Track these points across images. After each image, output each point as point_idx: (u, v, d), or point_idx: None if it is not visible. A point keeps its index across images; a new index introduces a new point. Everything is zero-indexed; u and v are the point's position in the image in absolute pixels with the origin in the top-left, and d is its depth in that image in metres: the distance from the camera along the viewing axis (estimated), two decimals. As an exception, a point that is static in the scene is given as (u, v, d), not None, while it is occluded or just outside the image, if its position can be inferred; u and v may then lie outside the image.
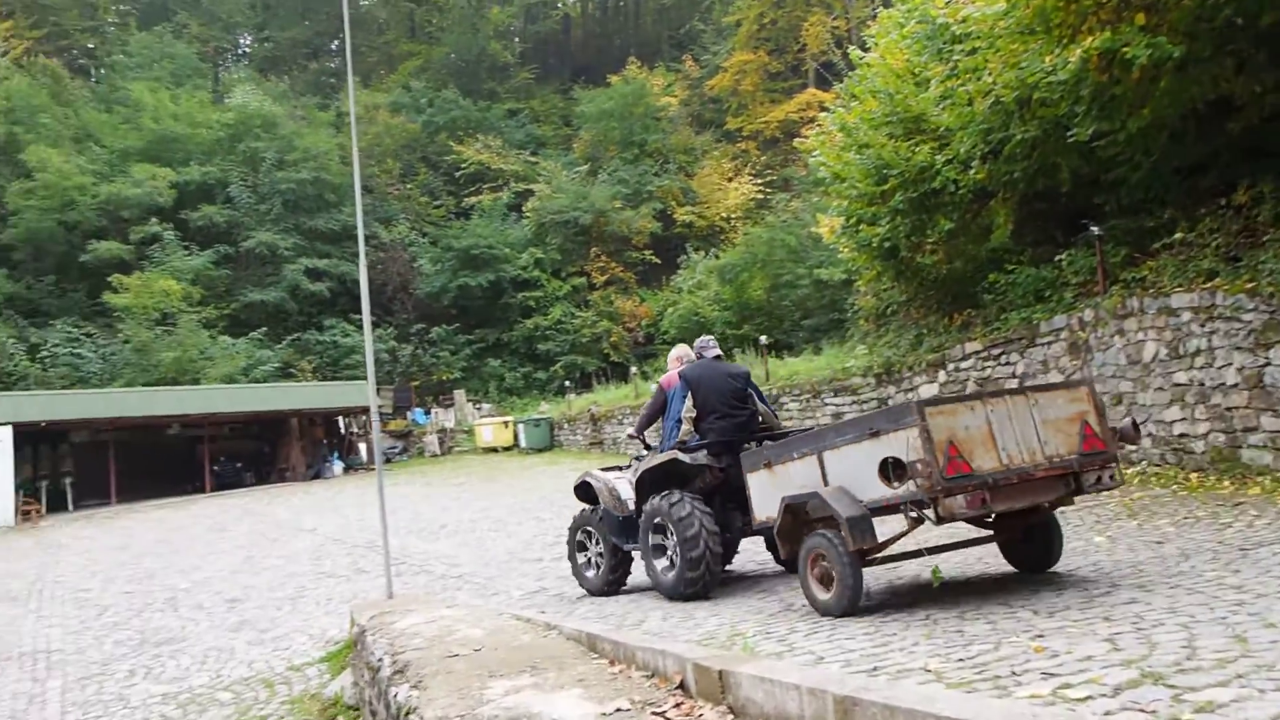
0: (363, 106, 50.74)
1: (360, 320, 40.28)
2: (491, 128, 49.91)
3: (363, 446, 34.25)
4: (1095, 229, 11.18)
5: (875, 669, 3.67)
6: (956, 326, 14.78)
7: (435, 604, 5.93)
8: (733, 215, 43.76)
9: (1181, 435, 9.35)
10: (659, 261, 42.29)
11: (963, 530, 5.99)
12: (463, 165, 46.21)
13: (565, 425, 30.75)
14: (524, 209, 43.29)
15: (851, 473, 5.15)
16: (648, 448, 7.83)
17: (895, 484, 4.87)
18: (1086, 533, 6.89)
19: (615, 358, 38.94)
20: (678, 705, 2.41)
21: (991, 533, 5.71)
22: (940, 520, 4.96)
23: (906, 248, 15.11)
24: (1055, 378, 11.69)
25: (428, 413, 37.92)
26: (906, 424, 4.81)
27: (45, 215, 37.57)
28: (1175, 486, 8.61)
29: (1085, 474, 5.12)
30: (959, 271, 15.79)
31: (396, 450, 34.82)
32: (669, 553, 6.65)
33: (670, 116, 48.91)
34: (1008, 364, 12.64)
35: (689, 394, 6.85)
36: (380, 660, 4.06)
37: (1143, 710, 2.73)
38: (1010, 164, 12.00)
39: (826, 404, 17.31)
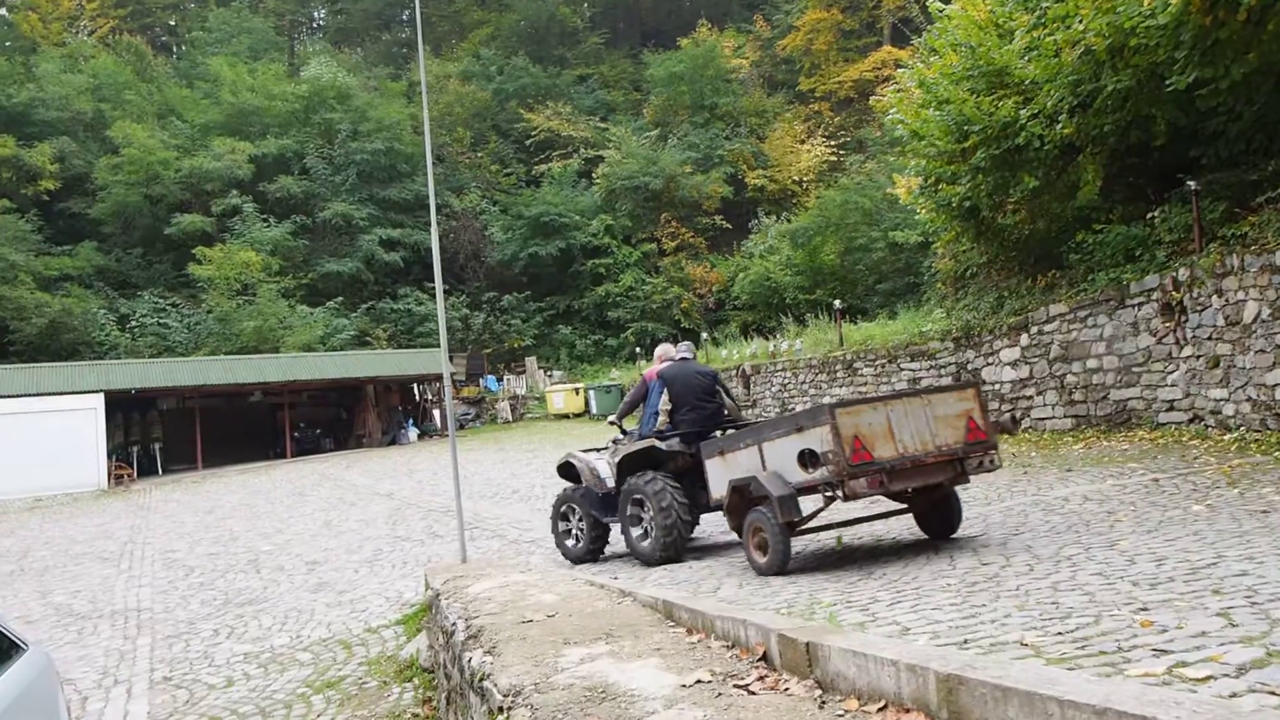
0: (433, 76, 51.10)
1: (434, 289, 40.96)
2: (561, 94, 49.78)
3: (437, 413, 34.80)
4: (1192, 183, 10.56)
5: (965, 641, 3.48)
6: (1040, 288, 14.22)
7: (508, 569, 5.89)
8: (805, 178, 43.00)
9: (1287, 400, 8.83)
10: (730, 226, 41.81)
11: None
12: (533, 133, 46.24)
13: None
14: (594, 175, 43.15)
15: (783, 460, 6.21)
16: (624, 432, 8.77)
17: (811, 470, 5.94)
18: (1183, 500, 6.53)
19: (686, 324, 38.73)
20: (761, 678, 2.27)
21: (906, 506, 6.85)
22: (847, 498, 5.92)
23: (988, 207, 14.57)
24: (1147, 340, 11.17)
25: (500, 380, 38.33)
26: (822, 422, 5.91)
27: (132, 189, 38.79)
28: (1277, 453, 8.13)
29: (969, 459, 6.18)
30: (1042, 232, 15.19)
31: (469, 417, 35.31)
32: (645, 524, 7.67)
33: (741, 79, 48.15)
34: (1095, 326, 12.11)
35: (665, 390, 7.96)
36: (454, 625, 4.02)
37: (1273, 692, 2.50)
38: (1100, 117, 11.40)
39: (903, 369, 16.88)
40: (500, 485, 16.61)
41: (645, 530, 7.70)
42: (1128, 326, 11.43)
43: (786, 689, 2.18)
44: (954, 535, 6.64)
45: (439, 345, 30.44)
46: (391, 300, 40.68)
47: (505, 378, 38.69)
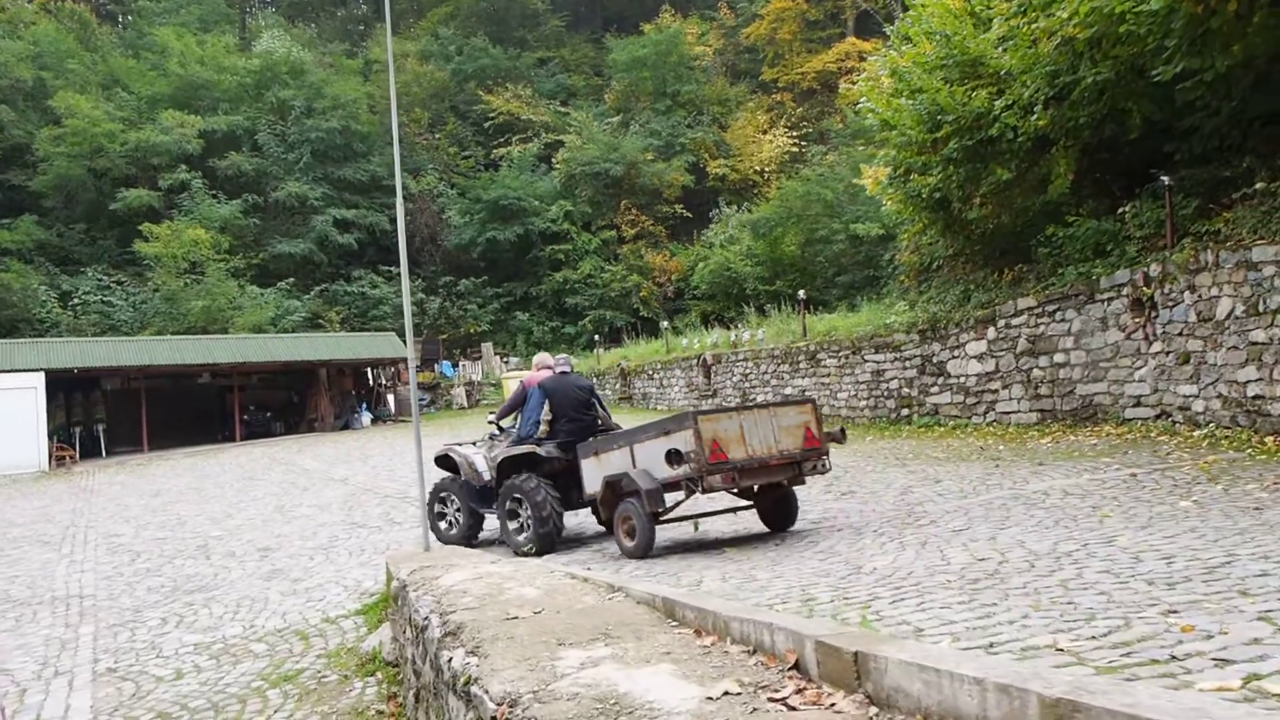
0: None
1: (389, 271, 40.37)
2: (521, 77, 49.12)
3: (390, 398, 34.20)
4: (1165, 178, 10.57)
5: (991, 645, 3.31)
6: (1007, 282, 14.23)
7: (478, 559, 5.63)
8: (767, 169, 42.94)
9: (1256, 397, 8.85)
10: (690, 215, 41.65)
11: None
12: (491, 115, 45.55)
13: (594, 379, 30.46)
14: (554, 160, 42.68)
15: (651, 459, 7.11)
16: (501, 430, 9.56)
17: (675, 467, 6.82)
18: (1167, 496, 6.47)
19: (645, 312, 38.51)
20: (799, 690, 2.04)
21: (752, 503, 7.82)
22: (705, 491, 6.94)
23: (958, 199, 14.53)
24: (1115, 335, 11.19)
25: (455, 366, 37.79)
26: (686, 426, 6.88)
27: (75, 162, 37.47)
28: (1250, 450, 8.15)
29: (805, 463, 7.24)
30: (1008, 225, 15.21)
31: (424, 402, 34.75)
32: (522, 520, 8.43)
33: (704, 66, 47.91)
34: (1063, 320, 12.13)
35: (546, 401, 8.67)
36: (427, 619, 3.75)
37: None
38: (1076, 110, 11.38)
39: (867, 361, 16.85)
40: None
41: (521, 525, 8.45)
42: (1096, 321, 11.45)
43: (832, 704, 1.94)
44: (791, 528, 7.76)
45: (393, 330, 29.90)
46: (345, 283, 39.88)
47: (461, 363, 38.16)
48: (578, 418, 8.70)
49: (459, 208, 41.98)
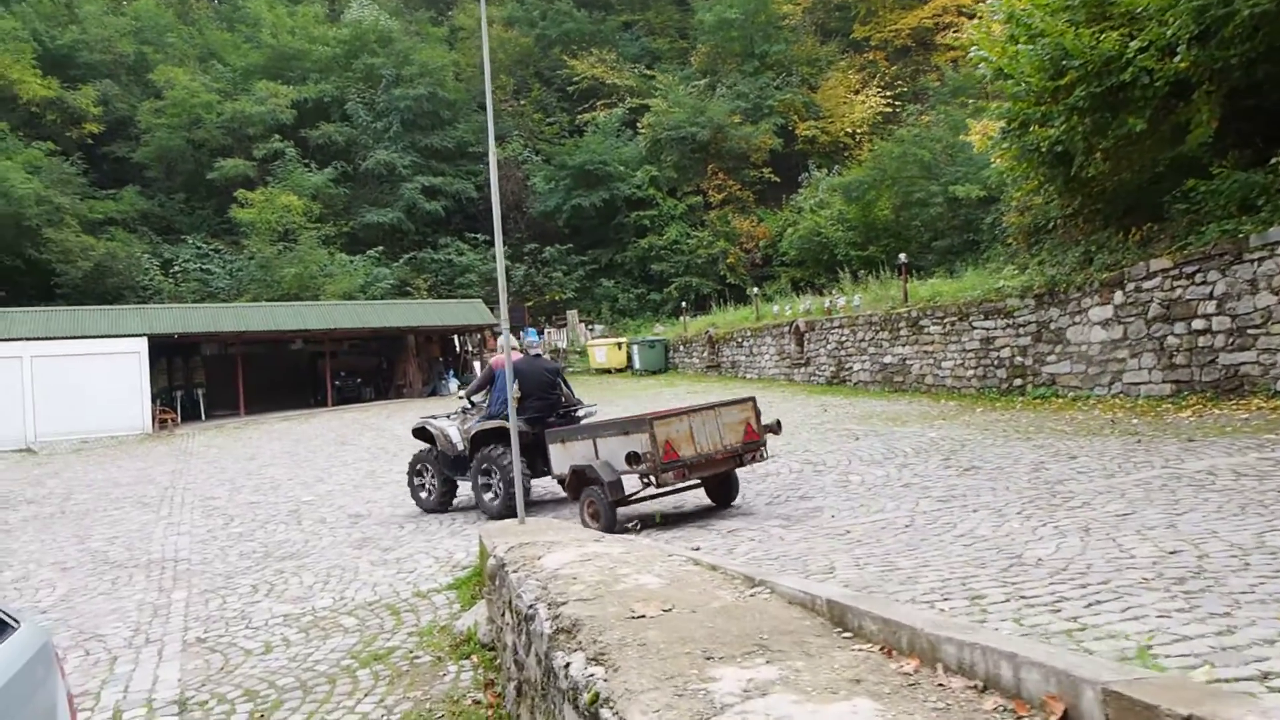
0: (475, 20, 49.92)
1: (474, 239, 40.40)
2: (605, 41, 48.43)
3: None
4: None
5: (1267, 677, 2.66)
6: (1135, 242, 13.14)
7: (579, 536, 5.17)
8: (858, 130, 41.50)
9: None
10: (778, 180, 40.50)
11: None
12: (576, 80, 45.05)
13: (681, 347, 29.95)
14: (639, 125, 41.99)
15: (612, 452, 8.06)
16: (472, 405, 10.46)
17: (634, 466, 7.79)
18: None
19: (732, 279, 37.73)
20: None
21: (700, 483, 8.65)
22: (659, 485, 7.92)
23: (1082, 152, 13.44)
24: (1267, 299, 10.15)
25: (540, 333, 37.68)
26: (643, 430, 7.81)
27: (174, 133, 38.42)
28: None
29: (746, 454, 8.25)
30: (1133, 181, 14.07)
31: (511, 369, 34.81)
32: (493, 487, 9.51)
33: (793, 26, 46.42)
34: (1204, 283, 11.07)
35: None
36: (533, 608, 3.29)
37: None
38: (1225, 49, 10.27)
39: (975, 327, 15.89)
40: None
41: (494, 492, 9.54)
42: (1244, 284, 10.39)
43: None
44: (733, 503, 8.69)
45: (480, 296, 29.77)
46: (432, 250, 40.08)
47: (546, 331, 38.03)
48: (544, 396, 9.76)
49: (544, 174, 41.72)
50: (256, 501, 12.37)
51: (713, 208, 40.17)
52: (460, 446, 10.09)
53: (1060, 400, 13.22)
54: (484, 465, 9.51)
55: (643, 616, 2.68)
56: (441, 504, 10.33)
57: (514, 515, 8.09)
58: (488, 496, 9.52)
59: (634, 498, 8.42)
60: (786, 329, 22.75)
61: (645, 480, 7.91)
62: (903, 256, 19.55)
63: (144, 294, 33.49)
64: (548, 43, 48.71)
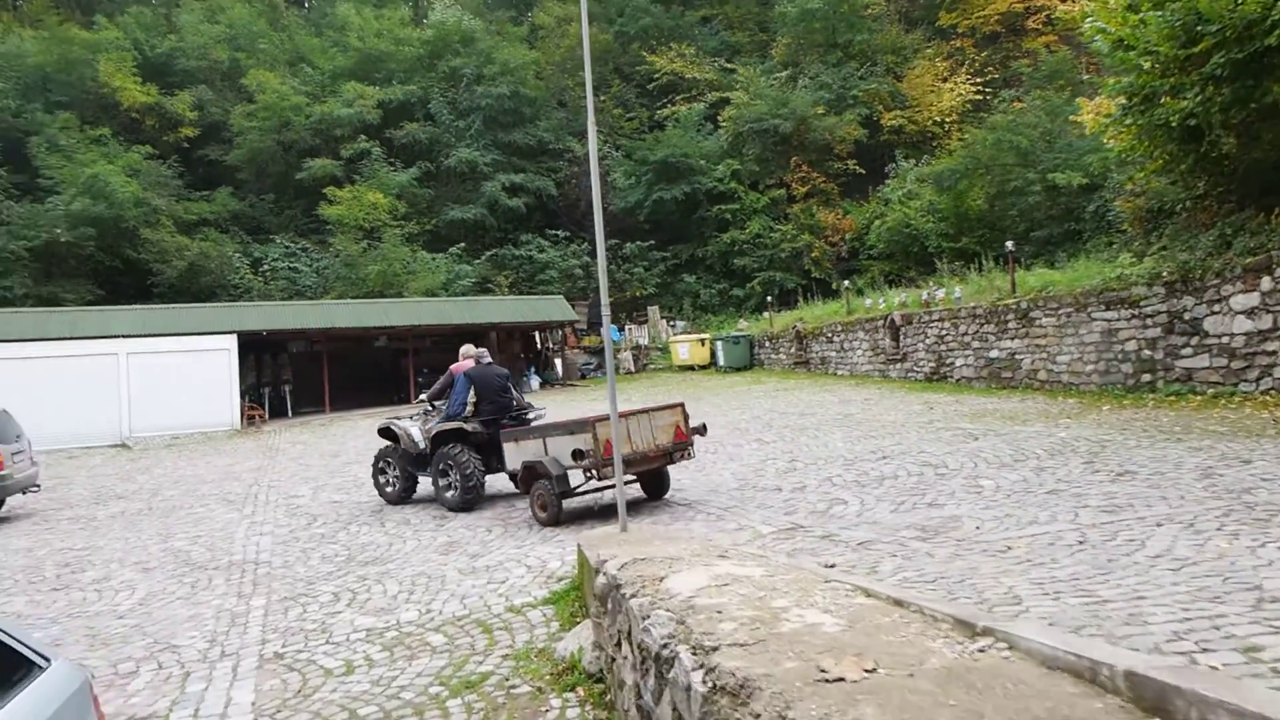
0: (554, 19, 49.73)
1: (555, 235, 40.09)
2: (684, 35, 47.75)
3: (558, 362, 33.93)
4: None
5: None
6: (1280, 223, 11.89)
7: (701, 550, 4.48)
8: (947, 119, 39.94)
9: None
10: (864, 171, 39.22)
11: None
12: (655, 76, 44.44)
13: (766, 343, 29.06)
14: (719, 119, 41.16)
15: (560, 450, 8.91)
16: (434, 407, 11.30)
17: (579, 461, 8.66)
18: None
19: (817, 274, 36.62)
20: None
21: (636, 478, 9.40)
22: (600, 479, 8.86)
23: (1219, 124, 12.25)
24: None
25: (621, 329, 37.17)
26: (586, 430, 8.74)
27: (265, 136, 39.09)
28: None
29: (675, 453, 9.18)
30: (1268, 159, 12.78)
31: (591, 366, 34.37)
32: (451, 481, 10.32)
33: (877, 15, 44.97)
34: (1374, 267, 9.83)
35: (471, 387, 10.52)
36: (670, 651, 2.61)
37: None
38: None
39: (1094, 319, 14.73)
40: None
41: (450, 485, 10.36)
42: None
43: None
44: (665, 496, 9.60)
45: (560, 292, 29.31)
46: (513, 247, 39.91)
47: (627, 327, 37.51)
48: (496, 399, 10.64)
49: (624, 170, 41.22)
50: (339, 501, 12.02)
51: (796, 201, 39.10)
52: (422, 445, 10.96)
53: (1198, 398, 12.05)
54: (442, 463, 10.37)
55: (841, 680, 1.98)
56: (402, 497, 11.25)
57: (470, 509, 10.21)
58: (447, 492, 10.39)
59: (578, 490, 9.36)
60: (880, 323, 21.72)
61: (588, 474, 8.95)
62: (1009, 245, 18.40)
63: (235, 292, 34.07)
64: (626, 39, 48.23)
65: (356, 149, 39.03)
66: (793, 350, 26.85)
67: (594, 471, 8.74)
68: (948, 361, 19.09)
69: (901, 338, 20.84)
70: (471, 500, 10.20)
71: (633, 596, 3.56)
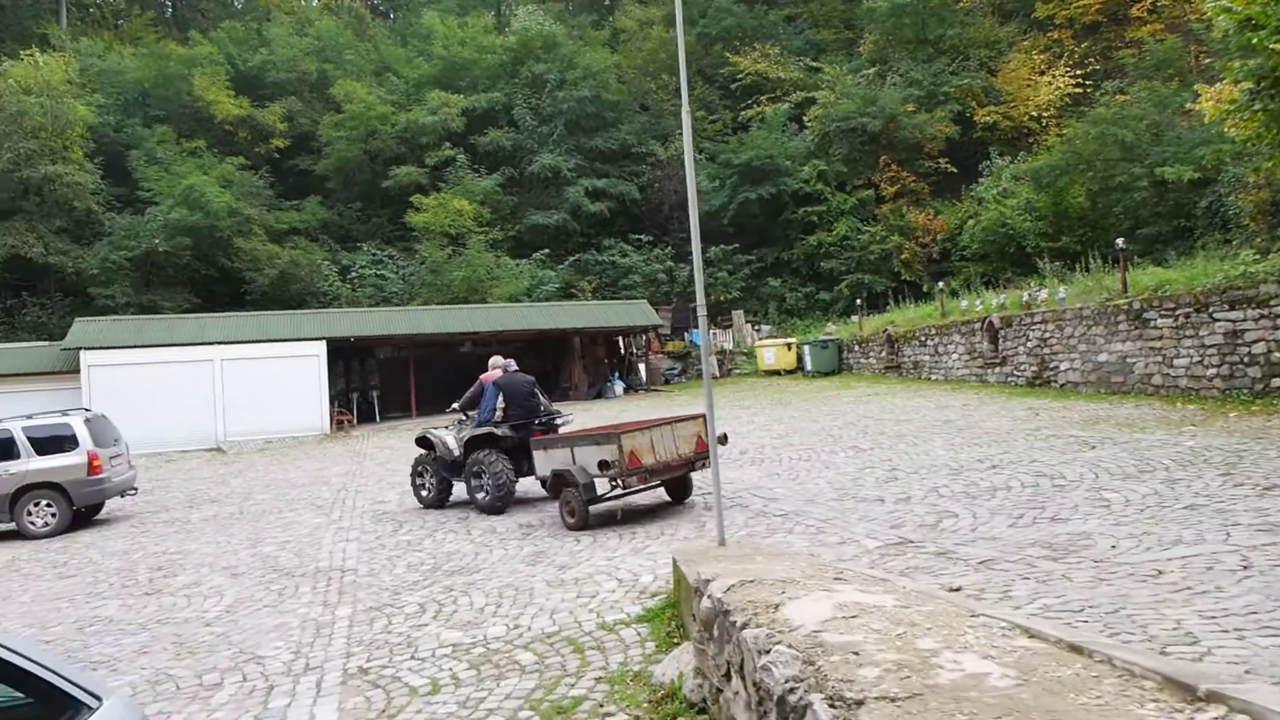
0: (635, 22, 49.66)
1: (638, 240, 39.87)
2: (768, 35, 47.10)
3: (642, 366, 33.65)
4: None
5: None
6: None
7: (814, 570, 4.05)
8: (1044, 114, 38.42)
9: None
10: (955, 170, 37.99)
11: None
12: (739, 76, 43.87)
13: (855, 347, 28.27)
14: (805, 119, 40.39)
15: (587, 459, 9.22)
16: (467, 416, 11.73)
17: (605, 471, 9.02)
18: None
19: (907, 276, 35.58)
20: None
21: (660, 484, 9.86)
22: (625, 488, 9.30)
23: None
24: None
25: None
26: (612, 440, 9.08)
27: (352, 145, 39.87)
28: None
29: (696, 461, 9.58)
30: None
31: (675, 372, 33.99)
32: (484, 485, 10.73)
33: (969, 8, 43.58)
34: None
35: (500, 394, 11.03)
36: (799, 699, 2.25)
37: None
38: None
39: (1217, 319, 13.73)
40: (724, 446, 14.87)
41: (485, 491, 10.80)
42: None
43: None
44: (687, 499, 10.11)
45: (643, 297, 28.97)
46: (596, 252, 39.85)
47: (711, 332, 37.03)
48: (524, 405, 11.14)
49: (708, 172, 40.80)
50: (423, 507, 11.87)
51: (885, 201, 38.10)
52: (456, 452, 11.42)
53: (1343, 404, 11.05)
54: (475, 468, 10.84)
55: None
56: (438, 502, 11.72)
57: (501, 511, 10.69)
58: (478, 494, 10.88)
59: (605, 498, 9.61)
60: (978, 326, 20.82)
61: (614, 483, 9.25)
62: (1120, 242, 17.38)
63: (324, 299, 34.75)
64: (709, 40, 47.81)
65: (441, 156, 39.51)
66: (883, 354, 26.03)
67: (619, 481, 9.13)
68: (1051, 365, 18.15)
69: (1000, 341, 19.92)
70: (503, 502, 10.70)
71: (745, 626, 3.17)
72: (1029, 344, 18.78)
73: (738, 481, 10.91)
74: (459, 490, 11.66)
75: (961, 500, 8.21)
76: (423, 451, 12.13)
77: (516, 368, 11.69)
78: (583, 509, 9.26)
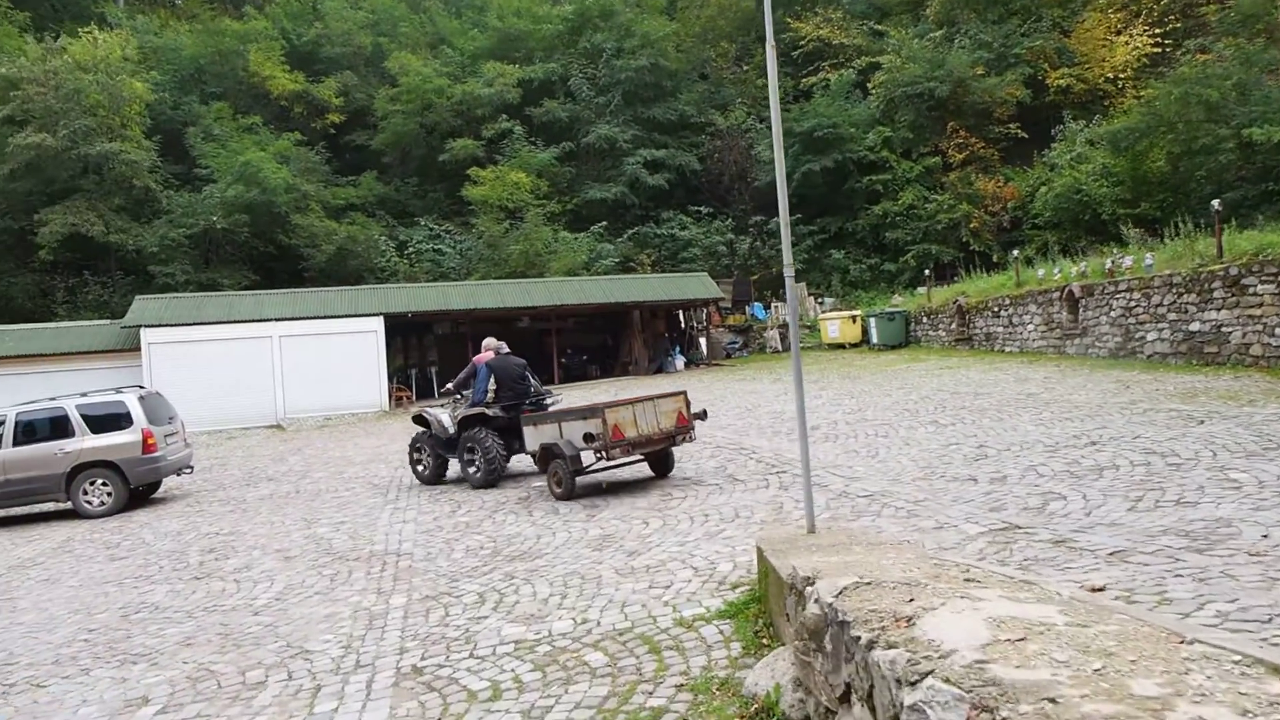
0: (694, -11, 48.51)
1: (697, 212, 39.08)
2: (830, 0, 45.62)
3: (703, 341, 32.98)
4: None
5: None
6: None
7: (932, 569, 3.43)
8: (1120, 75, 36.57)
9: None
10: (1026, 136, 36.42)
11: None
12: (800, 43, 42.56)
13: (924, 319, 27.24)
14: (869, 85, 39.06)
15: (573, 433, 9.85)
16: (461, 396, 12.15)
17: (590, 443, 9.63)
18: None
19: (976, 245, 34.26)
20: None
21: (643, 458, 10.46)
22: (609, 459, 9.79)
23: None
24: None
25: (767, 307, 35.88)
26: (597, 414, 9.64)
27: (408, 119, 39.62)
28: None
29: (677, 436, 10.19)
30: None
31: (736, 346, 33.26)
32: (476, 462, 11.26)
33: (1043, -36, 41.66)
34: None
35: (491, 375, 11.44)
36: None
37: None
38: None
39: (1333, 285, 12.61)
40: (791, 420, 14.22)
41: (476, 466, 11.32)
42: None
43: None
44: (669, 474, 10.46)
45: (703, 270, 28.24)
46: (654, 225, 39.15)
47: (773, 305, 36.18)
48: (515, 386, 11.59)
49: (768, 142, 39.73)
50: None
51: (953, 169, 36.70)
52: (451, 430, 11.89)
53: None
54: (468, 445, 11.38)
55: None
56: (435, 478, 12.15)
57: (492, 486, 11.20)
58: (471, 470, 11.40)
59: (590, 469, 10.19)
60: (1056, 295, 19.75)
61: (598, 455, 9.66)
62: (1215, 204, 16.17)
63: (381, 275, 34.65)
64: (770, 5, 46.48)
65: (497, 129, 39.08)
66: (953, 326, 24.99)
67: (603, 452, 9.54)
68: (1136, 336, 17.07)
69: (1081, 310, 18.84)
70: (494, 478, 11.22)
71: (874, 645, 2.57)
72: (1112, 313, 17.70)
73: (814, 459, 10.21)
74: (460, 482, 12.03)
75: (1065, 480, 7.46)
76: (420, 430, 12.59)
77: (508, 350, 12.14)
78: (569, 479, 9.82)
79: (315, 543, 9.13)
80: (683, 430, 10.11)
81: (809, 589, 3.61)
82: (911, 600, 2.88)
